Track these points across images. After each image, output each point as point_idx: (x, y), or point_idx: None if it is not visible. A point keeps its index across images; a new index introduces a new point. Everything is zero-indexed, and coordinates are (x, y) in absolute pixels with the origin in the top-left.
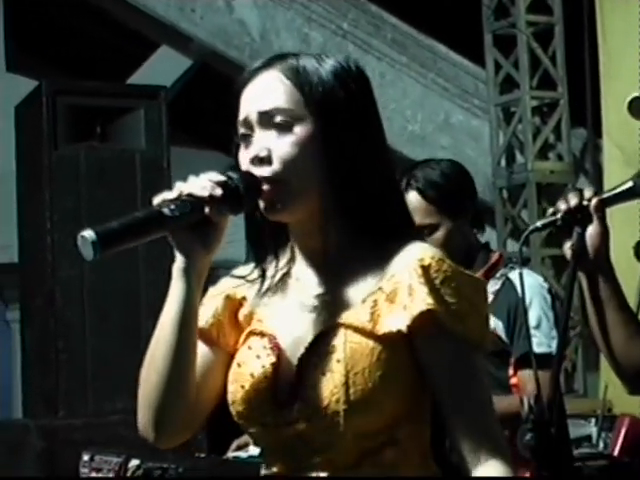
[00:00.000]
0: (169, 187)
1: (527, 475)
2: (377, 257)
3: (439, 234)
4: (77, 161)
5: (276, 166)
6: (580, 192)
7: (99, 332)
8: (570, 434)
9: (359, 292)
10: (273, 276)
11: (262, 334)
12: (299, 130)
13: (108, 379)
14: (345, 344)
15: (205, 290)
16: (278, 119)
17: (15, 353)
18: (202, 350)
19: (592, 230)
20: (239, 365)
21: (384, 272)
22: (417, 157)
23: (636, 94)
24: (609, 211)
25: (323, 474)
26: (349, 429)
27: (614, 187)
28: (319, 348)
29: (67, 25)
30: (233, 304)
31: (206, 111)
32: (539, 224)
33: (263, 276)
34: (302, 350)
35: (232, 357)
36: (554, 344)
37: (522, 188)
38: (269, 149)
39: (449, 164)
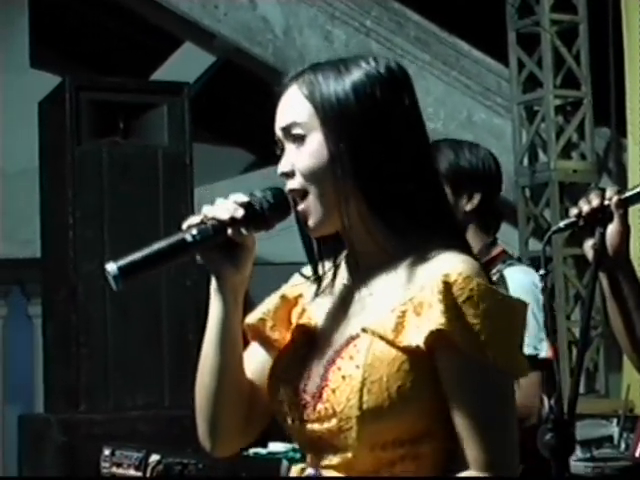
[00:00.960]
0: (191, 183)
1: None
2: (412, 264)
3: None
4: (100, 157)
5: (298, 178)
6: (602, 192)
7: (120, 327)
8: (591, 434)
9: (390, 300)
10: (328, 277)
11: (305, 332)
12: (310, 140)
13: (129, 374)
14: (368, 350)
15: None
16: (294, 132)
17: (37, 348)
18: (257, 351)
19: (612, 229)
20: (279, 358)
21: (415, 282)
22: None
23: None
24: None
25: (344, 475)
26: (363, 436)
27: (636, 186)
28: (346, 351)
29: (91, 22)
30: (288, 303)
31: (229, 107)
32: (561, 225)
33: (318, 278)
34: (331, 353)
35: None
36: (541, 346)
37: (545, 187)
38: (292, 163)
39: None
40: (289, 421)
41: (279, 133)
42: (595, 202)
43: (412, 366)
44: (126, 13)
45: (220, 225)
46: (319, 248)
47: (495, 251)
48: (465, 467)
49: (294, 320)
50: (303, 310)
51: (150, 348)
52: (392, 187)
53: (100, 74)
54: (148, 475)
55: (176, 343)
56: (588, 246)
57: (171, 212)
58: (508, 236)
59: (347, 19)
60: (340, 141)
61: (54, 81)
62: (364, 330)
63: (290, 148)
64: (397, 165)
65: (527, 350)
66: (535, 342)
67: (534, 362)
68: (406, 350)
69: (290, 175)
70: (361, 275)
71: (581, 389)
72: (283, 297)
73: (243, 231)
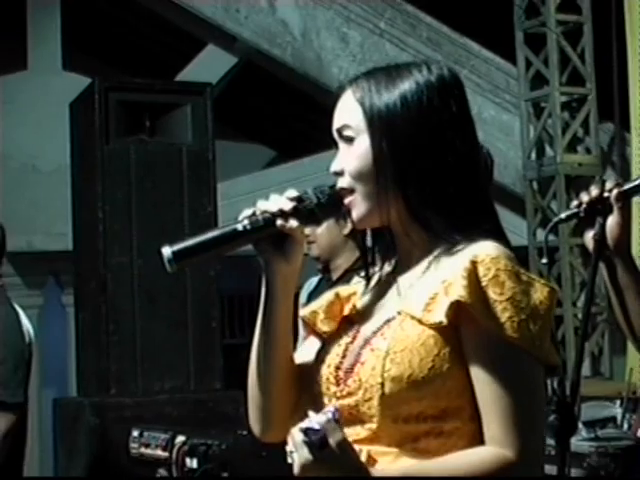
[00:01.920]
0: (214, 178)
1: None
2: (448, 256)
3: None
4: (127, 154)
5: (346, 177)
6: (602, 183)
7: (148, 316)
8: (596, 415)
9: (428, 288)
10: (377, 272)
11: (349, 321)
12: (359, 143)
13: (156, 360)
14: (397, 327)
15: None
16: (345, 134)
17: (70, 335)
18: (310, 342)
19: (612, 220)
20: (324, 346)
21: (449, 268)
22: None
23: None
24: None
25: (368, 448)
26: (384, 404)
27: (635, 178)
28: (381, 332)
29: (120, 25)
30: (340, 299)
31: (250, 106)
32: (563, 215)
33: (367, 274)
34: (369, 334)
35: None
36: None
37: (551, 180)
38: (342, 163)
39: None
40: (326, 400)
41: (334, 134)
42: (594, 192)
43: (437, 342)
44: (153, 17)
45: (270, 217)
46: (373, 253)
47: None
48: None
49: (346, 313)
50: (354, 306)
51: (176, 335)
52: (432, 192)
53: (128, 75)
54: (174, 455)
55: (200, 330)
56: (588, 237)
57: (195, 206)
58: (517, 227)
59: (362, 21)
60: (384, 146)
61: (84, 82)
62: (399, 313)
63: (342, 148)
64: (439, 171)
65: None
66: None
67: None
68: (432, 327)
69: (340, 174)
70: (402, 268)
71: (587, 372)
72: (337, 294)
73: (292, 224)
